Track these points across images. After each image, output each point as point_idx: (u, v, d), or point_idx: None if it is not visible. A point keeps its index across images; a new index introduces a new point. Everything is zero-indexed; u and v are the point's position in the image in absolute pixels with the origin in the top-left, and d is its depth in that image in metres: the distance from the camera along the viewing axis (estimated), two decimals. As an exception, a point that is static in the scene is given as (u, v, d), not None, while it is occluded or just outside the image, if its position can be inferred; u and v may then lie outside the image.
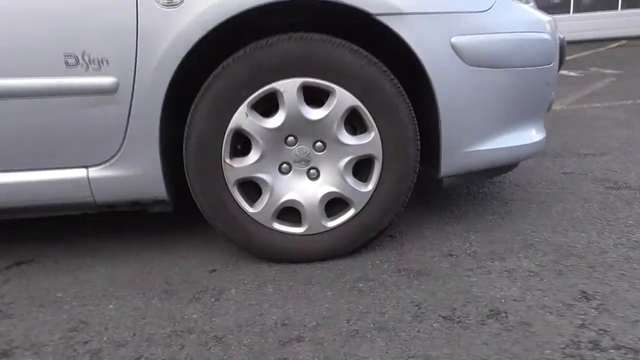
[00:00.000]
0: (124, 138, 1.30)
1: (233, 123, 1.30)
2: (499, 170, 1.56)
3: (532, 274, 1.30)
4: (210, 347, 1.08)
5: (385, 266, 1.40)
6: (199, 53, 1.30)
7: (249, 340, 1.10)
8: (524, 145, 1.50)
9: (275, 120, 1.32)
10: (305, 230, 1.40)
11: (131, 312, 1.24)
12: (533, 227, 1.59)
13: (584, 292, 1.20)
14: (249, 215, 1.38)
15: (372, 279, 1.33)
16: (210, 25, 1.23)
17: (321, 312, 1.19)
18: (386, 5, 1.26)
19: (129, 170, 1.33)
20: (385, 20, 1.27)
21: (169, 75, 1.26)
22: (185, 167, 1.35)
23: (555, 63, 1.50)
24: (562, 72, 5.23)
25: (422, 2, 1.29)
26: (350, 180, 1.38)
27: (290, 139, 1.35)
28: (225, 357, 1.05)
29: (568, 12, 10.54)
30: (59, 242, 1.69)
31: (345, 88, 1.30)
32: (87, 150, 1.31)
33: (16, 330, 1.19)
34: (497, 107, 1.41)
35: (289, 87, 1.28)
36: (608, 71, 5.56)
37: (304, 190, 1.39)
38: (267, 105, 1.33)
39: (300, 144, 1.36)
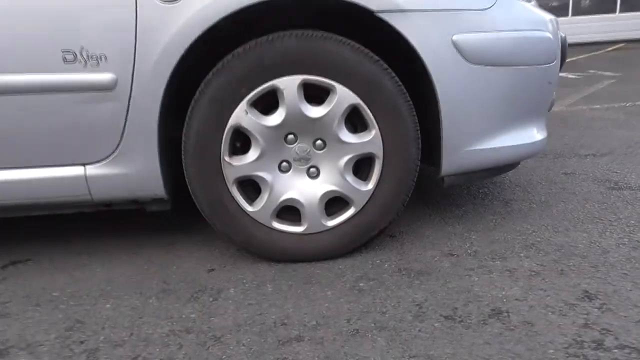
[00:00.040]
0: (122, 135, 1.29)
1: (232, 120, 1.29)
2: (499, 169, 1.55)
3: (533, 273, 1.29)
4: (208, 347, 1.07)
5: (386, 265, 1.38)
6: (199, 51, 1.29)
7: (248, 339, 1.08)
8: (526, 144, 1.49)
9: (275, 118, 1.30)
10: (304, 230, 1.39)
11: (128, 312, 1.22)
12: (534, 227, 1.58)
13: (587, 291, 1.19)
14: (248, 214, 1.37)
15: (372, 279, 1.31)
16: (210, 22, 1.22)
17: (321, 311, 1.18)
18: (388, 3, 1.25)
19: (127, 168, 1.32)
20: (386, 17, 1.26)
21: (168, 72, 1.24)
22: (183, 164, 1.34)
23: (557, 62, 1.49)
24: (561, 74, 5.23)
25: (424, -1, 1.28)
26: (351, 178, 1.37)
27: (290, 137, 1.34)
28: (224, 357, 1.03)
29: (567, 15, 10.57)
30: (55, 241, 1.68)
31: (346, 86, 1.29)
32: (85, 147, 1.30)
33: (11, 330, 1.18)
34: (499, 105, 1.40)
35: (289, 84, 1.27)
36: (607, 73, 5.57)
37: (304, 188, 1.37)
38: (267, 103, 1.31)
39: (300, 142, 1.35)
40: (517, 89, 1.41)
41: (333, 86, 1.29)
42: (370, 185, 1.37)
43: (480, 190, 1.96)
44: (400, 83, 1.31)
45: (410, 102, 1.33)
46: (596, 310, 1.11)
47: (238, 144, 1.36)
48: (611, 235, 1.49)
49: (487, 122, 1.40)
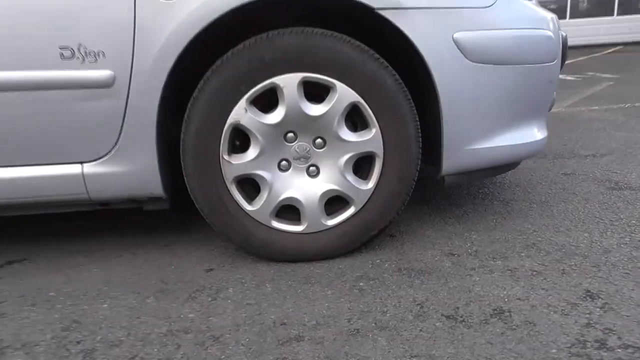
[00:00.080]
0: (120, 133, 1.27)
1: (232, 118, 1.28)
2: (500, 168, 1.54)
3: (535, 273, 1.28)
4: (207, 347, 1.05)
5: (386, 265, 1.37)
6: (198, 48, 1.28)
7: (247, 339, 1.07)
8: (526, 143, 1.48)
9: (275, 116, 1.29)
10: (304, 229, 1.38)
11: (126, 312, 1.21)
12: (535, 227, 1.57)
13: (589, 291, 1.18)
14: (247, 213, 1.36)
15: (372, 278, 1.30)
16: (209, 19, 1.21)
17: (321, 311, 1.16)
18: (389, 0, 1.24)
19: (125, 166, 1.31)
20: (387, 14, 1.25)
21: (167, 69, 1.23)
22: (182, 163, 1.32)
23: (558, 61, 1.48)
24: (560, 76, 5.24)
25: (425, -3, 1.28)
26: (351, 177, 1.36)
27: (290, 135, 1.33)
28: (223, 357, 1.02)
29: (565, 17, 10.61)
30: (51, 240, 1.66)
31: (346, 84, 1.28)
32: (82, 145, 1.28)
33: (7, 330, 1.16)
34: (500, 104, 1.39)
35: (289, 82, 1.26)
36: (605, 75, 5.59)
37: (304, 187, 1.36)
38: (267, 101, 1.30)
39: (300, 140, 1.34)
40: (518, 88, 1.40)
41: (333, 84, 1.28)
42: (371, 184, 1.36)
43: (481, 190, 1.95)
44: (401, 81, 1.30)
45: (411, 101, 1.32)
46: (598, 309, 1.10)
47: (237, 142, 1.35)
48: (612, 235, 1.48)
49: (488, 121, 1.39)
